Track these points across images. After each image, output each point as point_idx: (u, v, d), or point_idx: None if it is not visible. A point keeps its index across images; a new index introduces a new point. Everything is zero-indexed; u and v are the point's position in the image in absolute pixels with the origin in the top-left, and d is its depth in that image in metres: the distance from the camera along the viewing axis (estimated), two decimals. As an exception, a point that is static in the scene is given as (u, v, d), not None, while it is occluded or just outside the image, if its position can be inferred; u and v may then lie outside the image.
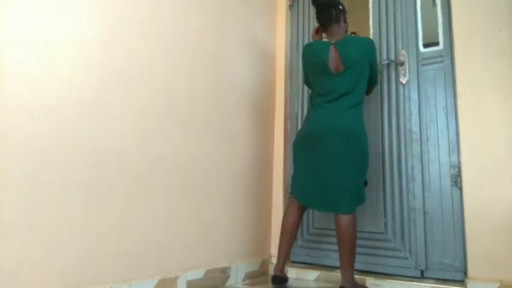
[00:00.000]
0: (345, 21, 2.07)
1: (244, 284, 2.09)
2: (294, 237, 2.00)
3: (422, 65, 2.16)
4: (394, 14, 2.29)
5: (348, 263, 1.79)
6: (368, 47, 1.96)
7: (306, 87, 2.48)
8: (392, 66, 2.25)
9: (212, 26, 2.14)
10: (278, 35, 2.71)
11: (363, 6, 2.43)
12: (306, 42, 2.64)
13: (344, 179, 1.82)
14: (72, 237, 1.39)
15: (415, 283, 1.91)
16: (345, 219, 1.79)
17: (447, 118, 2.05)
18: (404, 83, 2.19)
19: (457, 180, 1.96)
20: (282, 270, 1.99)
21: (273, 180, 2.54)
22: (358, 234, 2.24)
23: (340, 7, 2.05)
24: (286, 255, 1.98)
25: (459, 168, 1.95)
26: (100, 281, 1.47)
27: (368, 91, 2.08)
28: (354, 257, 1.81)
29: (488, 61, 1.88)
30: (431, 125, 2.08)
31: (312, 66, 2.01)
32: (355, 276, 2.07)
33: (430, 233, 2.01)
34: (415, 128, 2.12)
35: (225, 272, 2.05)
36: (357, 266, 2.20)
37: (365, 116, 2.30)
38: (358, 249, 2.22)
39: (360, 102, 1.94)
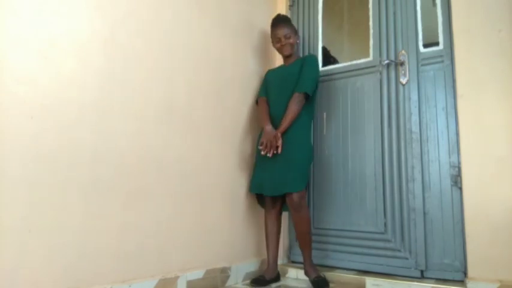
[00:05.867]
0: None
1: (244, 284, 2.09)
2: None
3: (422, 65, 2.16)
4: (394, 14, 2.29)
5: None
6: None
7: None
8: (392, 66, 2.25)
9: (213, 26, 2.14)
10: (278, 35, 2.71)
11: (363, 6, 2.43)
12: (306, 42, 2.64)
13: None
14: (72, 237, 1.40)
15: (415, 283, 1.91)
16: None
17: (447, 118, 2.04)
18: (404, 83, 2.19)
19: (457, 180, 1.96)
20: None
21: (273, 180, 2.54)
22: (358, 234, 2.25)
23: None
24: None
25: (459, 168, 1.95)
26: (100, 281, 1.47)
27: None
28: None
29: (489, 61, 1.88)
30: (431, 125, 2.08)
31: None
32: (355, 276, 2.10)
33: (430, 233, 2.01)
34: (415, 128, 2.12)
35: (225, 272, 2.05)
36: (357, 266, 2.21)
37: (364, 116, 2.32)
38: (358, 249, 2.23)
39: None
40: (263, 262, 2.32)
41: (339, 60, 2.62)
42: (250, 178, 2.23)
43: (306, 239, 2.06)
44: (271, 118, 2.16)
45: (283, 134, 2.05)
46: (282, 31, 2.24)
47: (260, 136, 2.19)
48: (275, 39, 2.29)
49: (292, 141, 2.06)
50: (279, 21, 2.30)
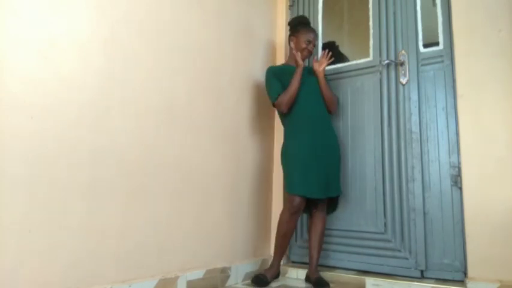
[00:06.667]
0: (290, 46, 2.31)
1: (244, 284, 2.09)
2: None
3: (422, 65, 2.16)
4: (394, 14, 2.29)
5: None
6: None
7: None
8: (392, 66, 2.25)
9: (212, 26, 2.14)
10: (278, 35, 2.71)
11: (363, 6, 2.43)
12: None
13: None
14: (72, 237, 1.39)
15: (415, 283, 1.91)
16: None
17: (447, 118, 2.04)
18: (404, 83, 2.19)
19: (457, 180, 1.96)
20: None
21: (273, 180, 2.54)
22: (358, 234, 2.24)
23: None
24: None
25: (459, 168, 1.95)
26: (100, 281, 1.47)
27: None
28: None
29: (489, 61, 1.88)
30: (431, 125, 2.08)
31: None
32: (355, 276, 2.10)
33: (430, 233, 2.01)
34: (415, 128, 2.12)
35: (225, 272, 2.05)
36: (357, 266, 2.21)
37: (364, 116, 2.32)
38: (358, 249, 2.23)
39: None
40: (263, 262, 2.33)
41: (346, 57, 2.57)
42: (292, 179, 2.04)
43: (322, 238, 2.14)
44: (311, 120, 2.12)
45: (328, 134, 2.16)
46: (314, 37, 2.25)
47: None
48: (306, 39, 2.21)
49: (336, 145, 2.17)
50: (311, 26, 2.32)
